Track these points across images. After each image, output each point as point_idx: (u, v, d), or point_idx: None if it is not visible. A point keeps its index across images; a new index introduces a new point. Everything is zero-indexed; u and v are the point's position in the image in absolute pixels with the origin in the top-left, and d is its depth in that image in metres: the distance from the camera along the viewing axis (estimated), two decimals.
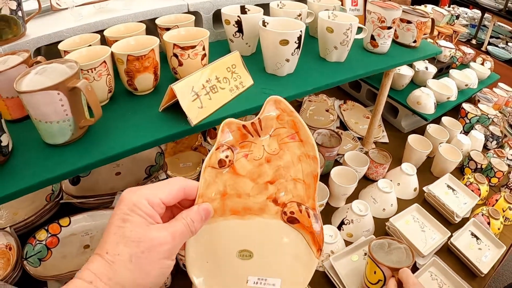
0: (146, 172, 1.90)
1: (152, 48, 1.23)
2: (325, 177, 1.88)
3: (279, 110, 0.78)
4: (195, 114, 1.16)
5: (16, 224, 1.58)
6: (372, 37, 1.70)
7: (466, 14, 4.93)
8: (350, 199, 1.81)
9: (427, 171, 2.21)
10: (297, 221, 0.75)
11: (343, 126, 2.46)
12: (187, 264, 0.74)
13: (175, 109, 1.17)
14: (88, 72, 1.16)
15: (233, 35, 1.53)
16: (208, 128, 1.04)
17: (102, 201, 1.73)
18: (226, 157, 0.75)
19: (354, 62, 1.62)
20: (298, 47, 1.38)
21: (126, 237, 0.59)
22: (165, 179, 1.81)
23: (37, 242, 1.52)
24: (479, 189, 2.02)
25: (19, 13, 1.32)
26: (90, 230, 1.62)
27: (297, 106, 2.57)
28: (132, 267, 0.58)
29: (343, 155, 1.99)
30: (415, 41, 1.80)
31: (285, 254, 0.75)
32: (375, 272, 1.38)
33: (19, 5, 1.32)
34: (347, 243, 1.70)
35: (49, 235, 1.56)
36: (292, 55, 1.39)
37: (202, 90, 1.19)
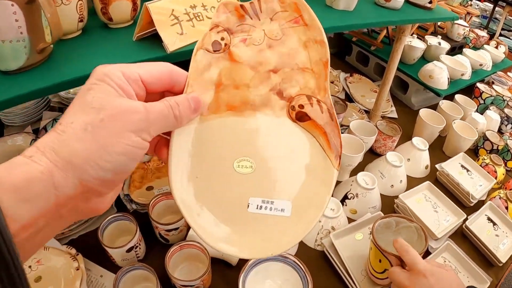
0: None
1: None
2: None
3: None
4: (172, 40, 0.99)
5: None
6: None
7: (477, 6, 4.76)
8: (354, 173, 1.59)
9: (438, 150, 2.00)
10: (307, 118, 0.60)
11: (349, 99, 2.24)
12: (171, 179, 0.56)
13: (154, 39, 1.01)
14: None
15: None
16: (187, 58, 0.88)
17: None
18: (222, 39, 0.61)
19: (364, 11, 1.44)
20: None
21: (87, 103, 0.45)
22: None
23: None
24: (495, 171, 1.81)
25: None
26: None
27: None
28: (86, 137, 0.43)
29: (348, 126, 1.76)
30: (430, 2, 1.59)
31: (294, 164, 0.60)
32: (380, 261, 1.18)
33: None
34: (351, 220, 1.50)
35: None
36: None
37: (184, 16, 1.02)
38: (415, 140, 1.75)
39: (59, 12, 0.95)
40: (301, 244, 1.43)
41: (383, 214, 1.39)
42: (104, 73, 0.47)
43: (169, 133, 0.56)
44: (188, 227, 1.33)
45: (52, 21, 0.87)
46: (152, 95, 0.53)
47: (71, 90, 1.90)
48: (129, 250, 1.21)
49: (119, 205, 1.43)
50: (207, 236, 0.56)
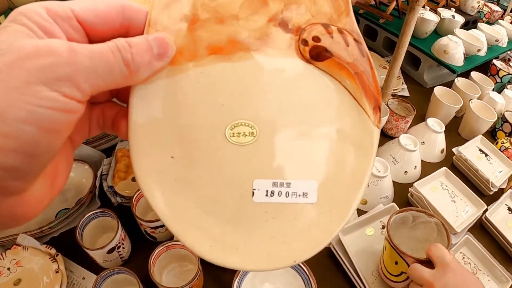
0: None
1: None
2: None
3: None
4: None
5: None
6: None
7: None
8: None
9: (454, 132, 1.83)
10: (327, 55, 0.41)
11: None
12: (133, 162, 0.39)
13: None
14: None
15: None
16: None
17: None
18: None
19: None
20: None
21: None
22: None
23: None
24: None
25: None
26: None
27: None
28: None
29: None
30: None
31: (314, 126, 0.42)
32: (396, 263, 1.01)
33: None
34: (360, 213, 1.33)
35: None
36: None
37: None
38: (430, 121, 1.58)
39: None
40: None
41: (396, 206, 1.25)
42: (20, 12, 0.31)
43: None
44: None
45: None
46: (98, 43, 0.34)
47: None
48: (110, 251, 1.08)
49: (104, 198, 1.28)
50: (192, 241, 0.39)
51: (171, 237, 1.16)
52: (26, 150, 0.29)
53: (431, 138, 1.58)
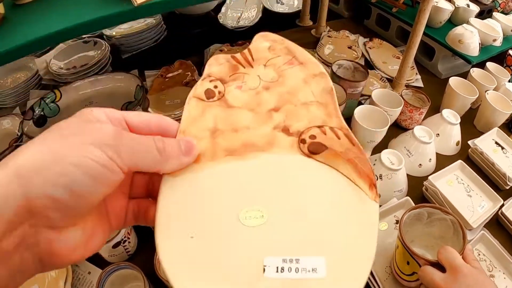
0: (122, 109, 1.49)
1: None
2: (346, 121, 1.39)
3: (269, 42, 0.64)
4: None
5: None
6: None
7: None
8: (377, 150, 1.37)
9: (469, 124, 1.75)
10: (323, 147, 0.50)
11: (369, 65, 1.99)
12: (158, 243, 0.45)
13: None
14: None
15: None
16: (160, 12, 0.76)
17: None
18: (215, 87, 0.57)
19: None
20: None
21: (56, 126, 0.40)
22: None
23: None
24: None
25: None
26: None
27: (314, 42, 2.17)
28: (41, 149, 0.36)
29: (369, 96, 1.54)
30: None
31: (318, 207, 0.47)
32: (408, 263, 0.97)
33: None
34: None
35: None
36: None
37: None
38: (446, 112, 1.52)
39: None
40: None
41: (411, 200, 1.19)
42: (83, 111, 0.42)
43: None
44: None
45: None
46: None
47: (62, 65, 1.80)
48: (116, 246, 1.07)
49: None
50: None
51: None
52: (74, 189, 0.35)
53: (446, 130, 1.52)
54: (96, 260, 1.09)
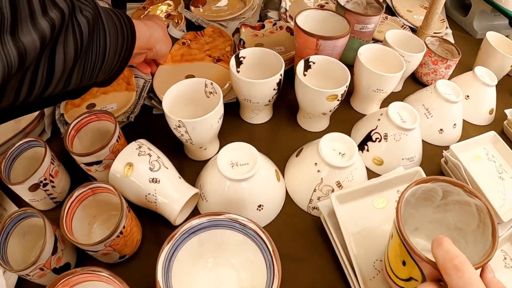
0: None
1: None
2: (350, 68, 1.06)
3: None
4: None
5: None
6: None
7: None
8: (386, 104, 1.03)
9: (507, 93, 1.39)
10: None
11: (391, 12, 1.66)
12: None
13: None
14: None
15: None
16: None
17: None
18: None
19: None
20: None
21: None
22: None
23: None
24: None
25: None
26: None
27: None
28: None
29: (384, 38, 1.19)
30: None
31: None
32: (404, 263, 0.61)
33: None
34: (371, 175, 0.98)
35: None
36: None
37: None
38: (479, 70, 1.17)
39: None
40: (289, 202, 0.94)
41: (422, 171, 0.84)
42: (158, 17, 1.09)
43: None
44: None
45: None
46: None
47: None
48: (34, 188, 0.86)
49: (54, 128, 1.11)
50: None
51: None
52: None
53: (478, 92, 1.18)
54: (20, 201, 0.92)
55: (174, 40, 1.28)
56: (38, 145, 0.92)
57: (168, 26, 1.30)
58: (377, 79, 1.02)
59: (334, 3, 1.56)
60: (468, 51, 1.47)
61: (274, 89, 0.96)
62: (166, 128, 0.91)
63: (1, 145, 0.98)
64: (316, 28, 1.13)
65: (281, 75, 0.96)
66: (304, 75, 1.01)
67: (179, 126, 0.84)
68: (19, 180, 0.84)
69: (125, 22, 0.79)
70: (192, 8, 1.50)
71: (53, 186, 0.90)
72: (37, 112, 1.06)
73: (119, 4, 1.57)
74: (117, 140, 0.87)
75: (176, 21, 1.40)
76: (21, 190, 0.86)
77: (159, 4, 1.54)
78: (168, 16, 1.45)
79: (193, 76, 1.13)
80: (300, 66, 1.00)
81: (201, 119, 0.83)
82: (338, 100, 0.97)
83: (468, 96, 1.17)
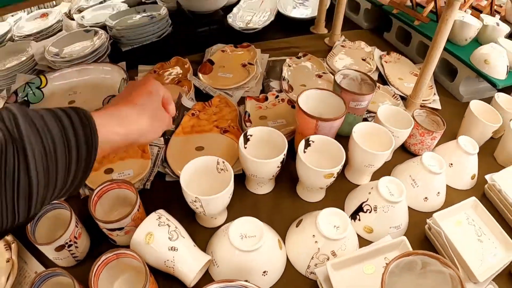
0: (103, 104, 1.51)
1: None
2: (345, 140, 1.24)
3: None
4: None
5: None
6: None
7: None
8: (377, 176, 1.17)
9: (488, 156, 1.52)
10: None
11: (383, 80, 1.80)
12: None
13: None
14: None
15: None
16: None
17: None
18: None
19: None
20: None
21: None
22: None
23: None
24: None
25: None
26: None
27: (326, 50, 1.99)
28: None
29: (376, 113, 1.32)
30: None
31: None
32: None
33: None
34: (363, 243, 1.09)
35: None
36: None
37: None
38: (462, 140, 1.30)
39: None
40: (289, 267, 1.05)
41: (407, 241, 0.99)
42: (152, 84, 0.85)
43: None
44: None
45: None
46: None
47: (58, 51, 1.76)
48: (60, 248, 0.94)
49: None
50: None
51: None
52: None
53: (461, 160, 1.30)
54: (46, 261, 1.00)
55: (185, 109, 1.40)
56: (61, 207, 1.00)
57: (181, 97, 1.41)
58: (369, 156, 1.14)
59: (332, 73, 1.72)
60: (453, 115, 1.60)
61: (278, 167, 1.09)
62: (179, 195, 1.02)
63: None
64: (316, 107, 1.26)
65: (284, 154, 1.07)
66: (304, 152, 1.13)
67: (195, 201, 0.96)
68: (44, 240, 0.92)
69: (79, 131, 0.58)
70: (199, 74, 1.62)
71: (76, 247, 0.98)
72: None
73: (132, 65, 1.71)
74: (137, 210, 0.98)
75: (186, 89, 1.52)
76: (47, 250, 0.93)
77: (169, 69, 1.67)
78: (178, 82, 1.58)
79: (202, 148, 1.28)
80: (301, 145, 1.12)
81: (215, 197, 0.95)
82: (334, 177, 1.09)
83: (451, 164, 1.29)
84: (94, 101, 1.49)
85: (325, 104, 1.28)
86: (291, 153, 1.18)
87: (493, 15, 1.99)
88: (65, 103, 1.50)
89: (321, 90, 1.29)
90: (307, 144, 1.14)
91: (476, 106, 1.45)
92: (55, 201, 0.98)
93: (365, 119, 1.49)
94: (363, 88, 1.40)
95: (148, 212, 0.99)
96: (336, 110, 1.24)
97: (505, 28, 1.84)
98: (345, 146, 1.18)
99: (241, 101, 1.55)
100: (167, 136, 1.33)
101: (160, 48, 1.89)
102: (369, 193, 1.10)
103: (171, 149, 1.29)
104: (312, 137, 1.14)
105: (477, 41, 1.87)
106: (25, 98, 1.46)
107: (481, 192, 1.32)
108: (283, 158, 1.09)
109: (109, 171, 1.20)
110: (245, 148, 1.11)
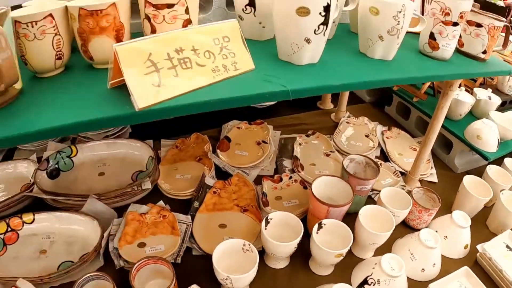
0: (132, 178, 1.62)
1: (114, 2, 0.91)
2: (352, 217, 1.42)
3: None
4: (144, 94, 0.78)
5: None
6: (432, 36, 1.27)
7: None
8: (380, 251, 1.35)
9: (481, 224, 1.68)
10: None
11: (384, 156, 1.98)
12: None
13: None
14: (27, 26, 0.87)
15: (242, 9, 1.16)
16: (165, 117, 0.72)
17: (75, 203, 1.44)
18: None
19: (406, 62, 1.21)
20: (325, 24, 0.97)
21: None
22: (152, 192, 1.58)
23: None
24: None
25: None
26: (53, 234, 1.38)
27: (333, 126, 2.17)
28: None
29: (379, 191, 1.51)
30: (485, 52, 1.34)
31: None
32: None
33: None
34: None
35: (9, 229, 1.35)
36: (315, 33, 0.98)
37: (165, 62, 0.81)
38: (456, 214, 1.47)
39: (32, 48, 0.89)
40: None
41: None
42: None
43: None
44: None
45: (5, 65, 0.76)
46: None
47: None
48: None
49: (108, 259, 1.31)
50: None
51: None
52: None
53: (455, 233, 1.46)
54: None
55: (207, 187, 1.55)
56: (101, 278, 1.13)
57: (204, 177, 1.57)
58: (373, 236, 1.30)
59: (341, 153, 1.91)
60: (449, 186, 1.79)
61: (295, 247, 1.25)
62: (206, 269, 1.19)
63: (69, 270, 1.18)
64: (326, 191, 1.45)
65: (300, 237, 1.23)
66: (317, 233, 1.29)
67: (226, 279, 1.11)
68: None
69: None
70: (218, 152, 1.77)
71: None
72: (95, 243, 1.26)
73: (156, 137, 1.85)
74: (173, 285, 1.12)
75: (207, 168, 1.67)
76: None
77: (191, 145, 1.83)
78: (199, 160, 1.74)
79: (225, 226, 1.43)
80: (315, 228, 1.29)
81: (244, 276, 1.11)
82: (343, 256, 1.25)
83: (446, 237, 1.45)
84: (123, 175, 1.61)
85: (334, 188, 1.46)
86: (305, 232, 1.32)
87: (487, 86, 2.16)
88: (94, 174, 1.61)
89: (331, 177, 1.47)
90: (320, 226, 1.30)
91: (469, 181, 1.63)
92: (97, 273, 1.12)
93: (369, 196, 1.65)
94: (367, 170, 1.58)
95: (179, 284, 1.16)
96: (344, 193, 1.42)
97: (496, 101, 2.01)
98: (351, 224, 1.35)
99: (257, 179, 1.71)
100: (192, 213, 1.47)
101: (177, 120, 2.01)
102: (373, 268, 1.25)
103: (196, 226, 1.42)
104: (324, 221, 1.31)
105: (472, 114, 2.05)
106: (56, 166, 1.56)
107: (474, 260, 1.48)
108: (300, 240, 1.25)
109: (142, 245, 1.33)
110: (266, 229, 1.27)
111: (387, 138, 2.05)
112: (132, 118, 0.80)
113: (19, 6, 0.98)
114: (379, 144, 2.03)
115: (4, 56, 0.74)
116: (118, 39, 0.96)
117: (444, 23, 1.21)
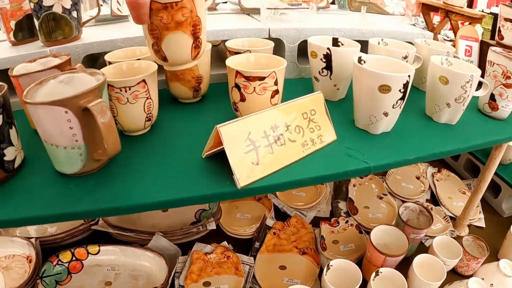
0: (195, 217, 1.74)
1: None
2: (405, 263, 1.54)
3: None
4: (245, 173, 0.89)
5: (44, 237, 1.54)
6: (492, 97, 1.36)
7: None
8: None
9: None
10: None
11: (434, 199, 2.10)
12: None
13: (223, 160, 0.91)
14: (121, 91, 0.98)
15: (319, 72, 1.28)
16: (262, 194, 0.83)
17: (139, 238, 1.59)
18: None
19: (468, 126, 1.30)
20: (403, 98, 1.09)
21: None
22: (213, 229, 1.68)
23: (59, 262, 1.44)
24: None
25: (74, 14, 1.29)
26: (118, 266, 1.48)
27: None
28: None
29: (430, 237, 1.67)
30: None
31: None
32: None
33: (74, 4, 1.27)
34: None
35: (74, 258, 1.46)
36: (393, 107, 1.09)
37: (262, 140, 0.93)
38: (503, 263, 1.58)
39: (125, 111, 1.00)
40: None
41: None
42: None
43: None
44: None
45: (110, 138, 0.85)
46: None
47: None
48: None
49: None
50: None
51: None
52: None
53: (501, 281, 1.57)
54: None
55: (267, 227, 1.69)
56: None
57: (266, 218, 1.70)
58: (425, 285, 1.42)
59: (393, 195, 2.03)
60: (496, 231, 1.90)
61: None
62: None
63: None
64: (383, 239, 1.57)
65: (359, 285, 1.36)
66: (373, 280, 1.42)
67: None
68: None
69: None
70: (277, 193, 1.91)
71: None
72: (159, 278, 1.37)
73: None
74: None
75: (267, 209, 1.81)
76: None
77: None
78: (259, 200, 1.87)
79: (285, 267, 1.56)
80: (372, 275, 1.42)
81: None
82: None
83: (492, 284, 1.56)
84: (186, 212, 1.73)
85: (390, 236, 1.59)
86: None
87: None
88: (159, 210, 1.71)
89: (387, 226, 1.60)
90: (376, 274, 1.43)
91: None
92: None
93: (421, 242, 1.76)
94: (420, 218, 1.72)
95: None
96: (399, 241, 1.55)
97: None
98: (402, 268, 1.49)
99: (314, 221, 1.84)
100: (253, 253, 1.59)
101: None
102: None
103: (258, 268, 1.54)
104: (381, 269, 1.44)
105: None
106: None
107: None
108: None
109: (207, 284, 1.44)
110: (326, 275, 1.40)
111: (437, 180, 2.16)
112: (232, 195, 0.88)
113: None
114: (429, 186, 2.14)
115: (110, 133, 0.83)
116: (195, 35, 0.97)
117: (505, 86, 1.30)
